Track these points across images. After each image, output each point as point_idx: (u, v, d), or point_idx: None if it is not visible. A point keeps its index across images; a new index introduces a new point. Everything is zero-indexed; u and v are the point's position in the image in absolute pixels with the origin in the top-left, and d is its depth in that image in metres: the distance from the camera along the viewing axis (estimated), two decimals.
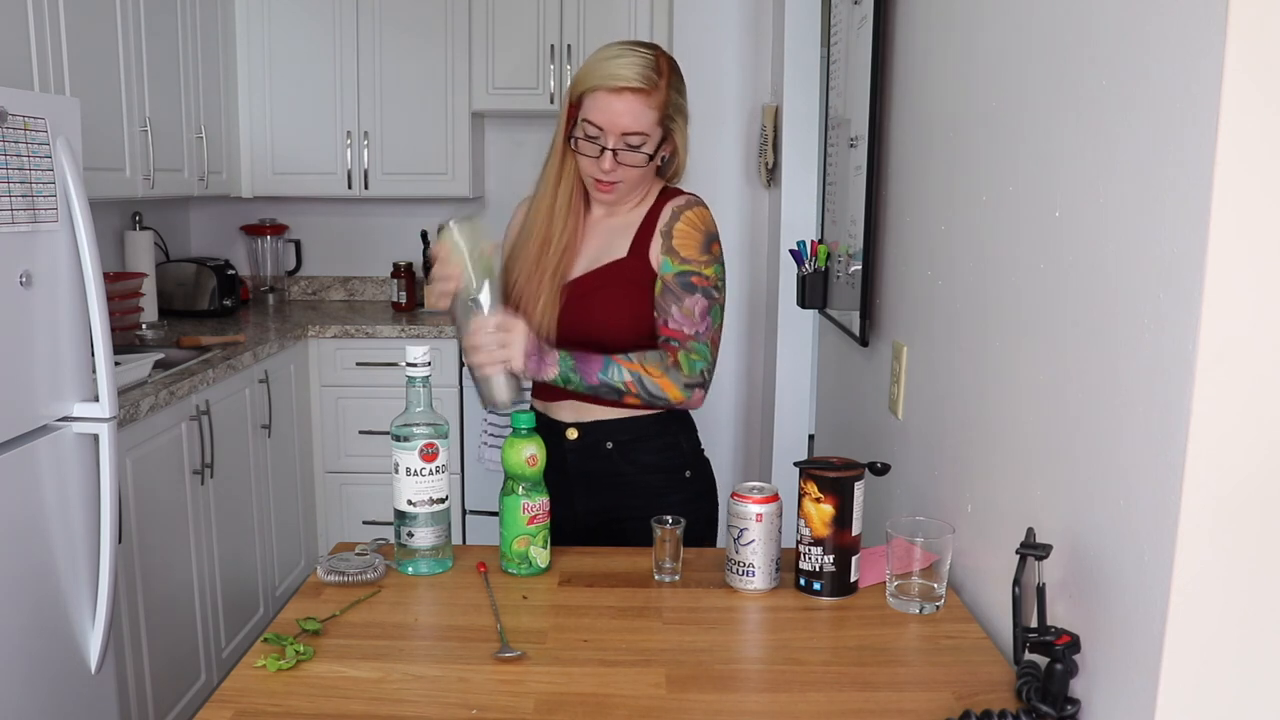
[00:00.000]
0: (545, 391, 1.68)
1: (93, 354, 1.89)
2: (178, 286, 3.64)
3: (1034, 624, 1.05)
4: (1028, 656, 1.07)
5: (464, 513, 3.54)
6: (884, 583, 1.36)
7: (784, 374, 3.33)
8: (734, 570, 1.38)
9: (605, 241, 1.65)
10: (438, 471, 1.43)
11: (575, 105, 1.59)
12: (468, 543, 3.39)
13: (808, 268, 2.32)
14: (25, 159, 1.72)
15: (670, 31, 3.50)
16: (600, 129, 1.55)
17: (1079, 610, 1.03)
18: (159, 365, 2.60)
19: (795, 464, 1.39)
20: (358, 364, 3.47)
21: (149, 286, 3.37)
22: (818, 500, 1.33)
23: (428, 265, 3.84)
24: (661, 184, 1.69)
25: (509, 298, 1.63)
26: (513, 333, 1.50)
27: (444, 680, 1.14)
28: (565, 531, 1.62)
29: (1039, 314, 1.15)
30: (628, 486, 1.67)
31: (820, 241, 2.38)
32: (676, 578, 1.41)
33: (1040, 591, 1.05)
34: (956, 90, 1.47)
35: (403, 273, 3.87)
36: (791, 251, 2.35)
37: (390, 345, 3.46)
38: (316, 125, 3.65)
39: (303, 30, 3.60)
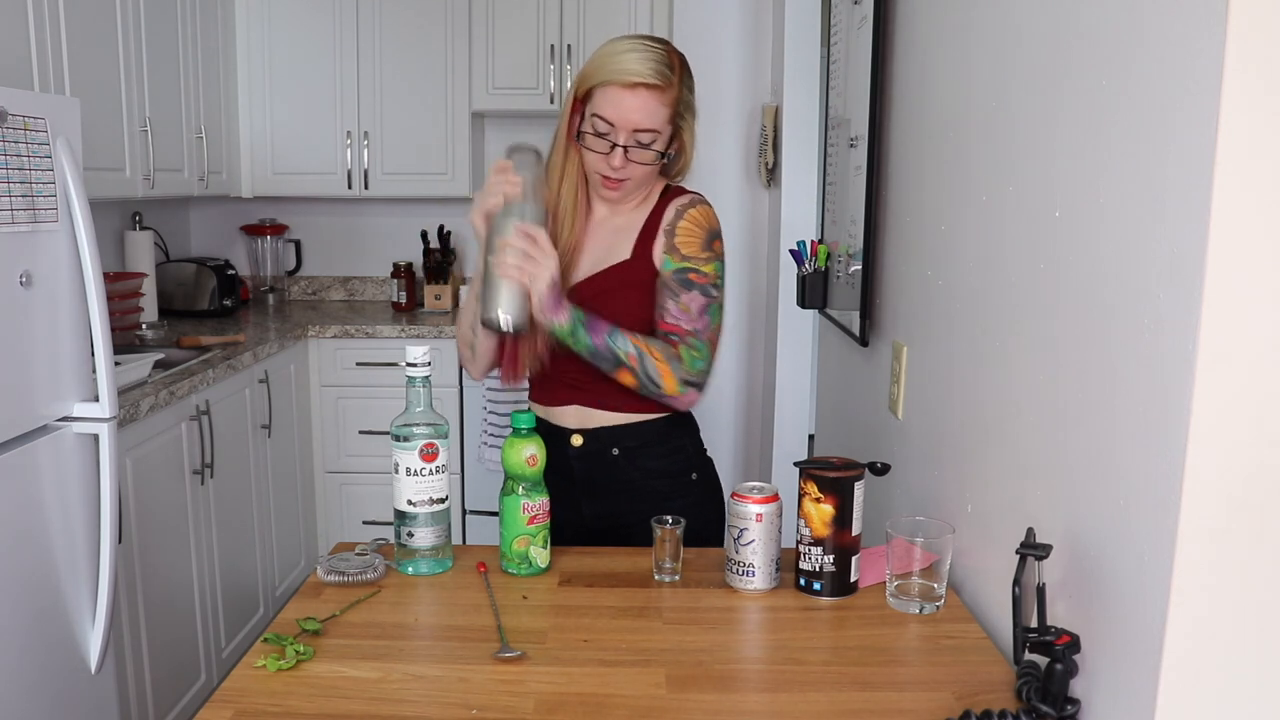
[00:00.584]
0: (548, 397, 1.67)
1: (93, 354, 1.89)
2: (178, 286, 3.64)
3: (1034, 624, 1.04)
4: (1028, 656, 1.07)
5: (464, 513, 3.54)
6: (884, 583, 1.36)
7: (784, 374, 3.33)
8: (734, 570, 1.38)
9: (609, 243, 1.63)
10: (438, 471, 1.43)
11: (582, 100, 1.56)
12: (468, 543, 3.39)
13: (808, 268, 2.32)
14: (25, 159, 1.72)
15: (670, 31, 3.50)
16: (611, 124, 1.52)
17: (1079, 610, 1.03)
18: (159, 365, 2.60)
19: (795, 464, 1.39)
20: (358, 364, 3.47)
21: (149, 286, 3.37)
22: (818, 500, 1.33)
23: (428, 265, 3.86)
24: (664, 182, 1.66)
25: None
26: (548, 256, 1.48)
27: (444, 680, 1.14)
28: (571, 537, 1.61)
29: (1039, 314, 1.15)
30: (634, 492, 1.66)
31: (820, 241, 2.38)
32: (676, 578, 1.41)
33: (1040, 591, 1.05)
34: (956, 90, 1.47)
35: (403, 273, 3.87)
36: (791, 251, 2.35)
37: (390, 345, 3.46)
38: (316, 125, 3.65)
39: (303, 30, 3.60)
